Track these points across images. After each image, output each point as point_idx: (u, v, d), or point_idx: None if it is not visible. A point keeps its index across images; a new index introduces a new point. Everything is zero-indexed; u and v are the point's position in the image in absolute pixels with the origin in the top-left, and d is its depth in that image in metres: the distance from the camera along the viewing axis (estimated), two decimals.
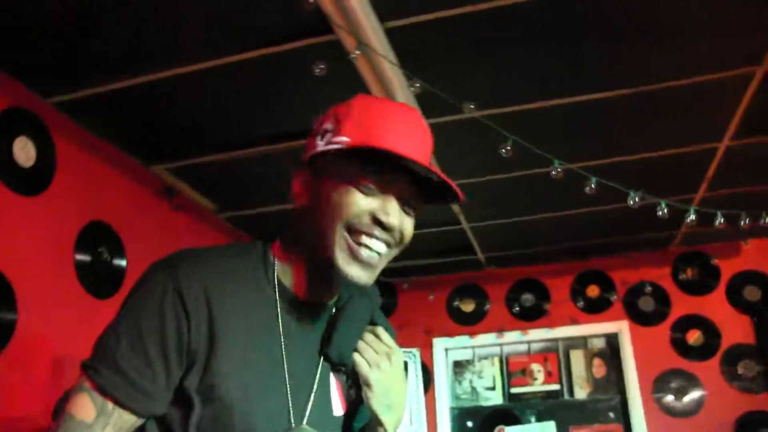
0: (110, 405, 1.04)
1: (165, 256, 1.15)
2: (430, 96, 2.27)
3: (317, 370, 1.20)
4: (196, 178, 3.20)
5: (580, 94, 2.63)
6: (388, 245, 1.16)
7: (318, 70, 2.18)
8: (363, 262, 1.13)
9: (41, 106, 2.50)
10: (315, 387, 1.18)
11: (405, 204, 1.15)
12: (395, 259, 4.08)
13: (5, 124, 2.39)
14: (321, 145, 1.16)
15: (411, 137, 1.14)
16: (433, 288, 4.94)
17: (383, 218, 1.12)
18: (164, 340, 1.06)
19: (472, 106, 2.28)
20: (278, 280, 1.18)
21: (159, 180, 3.13)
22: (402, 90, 2.39)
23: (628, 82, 2.56)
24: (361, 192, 1.12)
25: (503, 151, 2.41)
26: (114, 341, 1.06)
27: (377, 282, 1.26)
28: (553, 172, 2.53)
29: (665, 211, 3.02)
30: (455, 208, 3.62)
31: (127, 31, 2.16)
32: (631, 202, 2.86)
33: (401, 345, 4.38)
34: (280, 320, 1.16)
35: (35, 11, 2.03)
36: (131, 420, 1.06)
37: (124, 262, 2.86)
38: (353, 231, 1.13)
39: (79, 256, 2.65)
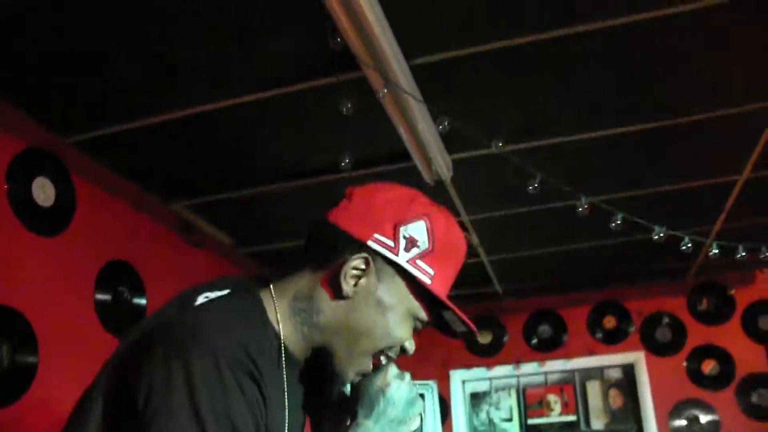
0: None
1: (192, 337, 0.96)
2: (455, 131, 2.27)
3: None
4: (214, 214, 3.19)
5: (601, 128, 2.64)
6: None
7: (345, 109, 2.18)
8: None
9: (60, 146, 2.49)
10: None
11: None
12: None
13: (24, 164, 2.37)
14: (403, 253, 1.10)
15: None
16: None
17: (408, 349, 1.17)
18: (258, 427, 0.97)
19: (500, 144, 2.27)
20: (283, 343, 1.09)
21: (177, 216, 3.12)
22: (427, 126, 2.39)
23: (651, 117, 2.57)
24: (413, 329, 1.15)
25: (531, 188, 2.40)
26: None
27: None
28: (580, 209, 2.52)
29: (689, 246, 3.01)
30: (474, 240, 3.60)
31: (145, 70, 2.16)
32: (656, 237, 2.86)
33: (419, 377, 4.36)
34: (286, 389, 1.08)
35: (51, 49, 2.02)
36: None
37: (144, 301, 2.84)
38: (378, 354, 1.14)
39: (100, 296, 2.63)
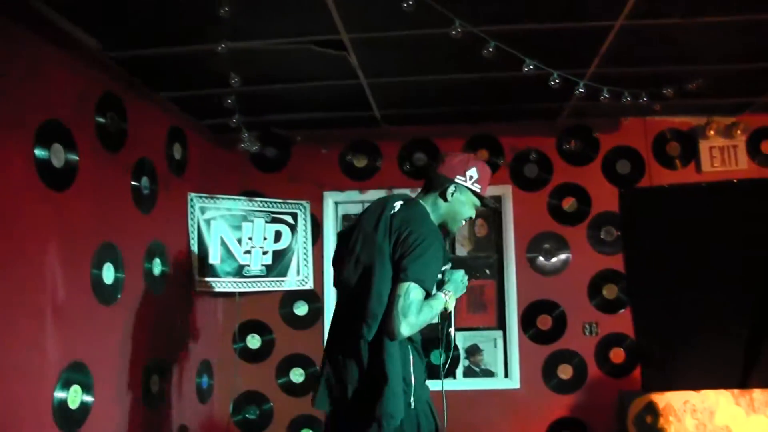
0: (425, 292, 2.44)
1: (430, 223, 2.60)
2: None
3: None
4: (77, 11, 2.94)
5: None
6: None
7: None
8: None
9: None
10: None
11: None
12: (289, 111, 4.14)
13: None
14: (469, 182, 2.66)
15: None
16: (326, 142, 4.93)
17: (472, 216, 2.79)
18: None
19: None
20: None
21: (37, 12, 2.84)
22: None
23: None
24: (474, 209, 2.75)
25: (405, 5, 2.38)
26: (427, 268, 2.44)
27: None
28: (453, 32, 2.53)
29: (557, 81, 3.11)
30: (353, 61, 3.54)
31: None
32: (526, 69, 2.93)
33: (293, 197, 4.54)
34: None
35: None
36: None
37: None
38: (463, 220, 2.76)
39: None
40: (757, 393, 4.54)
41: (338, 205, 5.03)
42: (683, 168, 4.87)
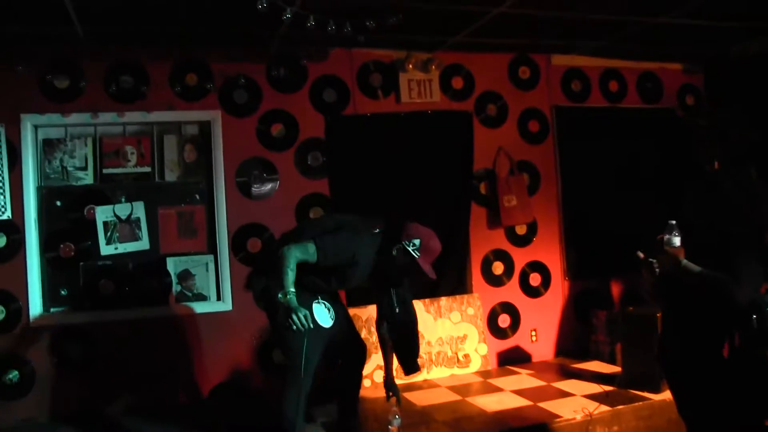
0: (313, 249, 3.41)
1: (361, 235, 3.55)
2: None
3: None
4: None
5: None
6: None
7: None
8: None
9: None
10: None
11: None
12: None
13: None
14: (412, 249, 3.46)
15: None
16: (22, 60, 4.54)
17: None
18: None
19: None
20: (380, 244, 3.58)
21: None
22: None
23: None
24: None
25: None
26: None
27: None
28: None
29: (265, 5, 3.19)
30: None
31: None
32: None
33: None
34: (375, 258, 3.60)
35: None
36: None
37: None
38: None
39: None
40: (444, 300, 5.21)
41: (38, 129, 4.69)
42: (385, 98, 5.31)
